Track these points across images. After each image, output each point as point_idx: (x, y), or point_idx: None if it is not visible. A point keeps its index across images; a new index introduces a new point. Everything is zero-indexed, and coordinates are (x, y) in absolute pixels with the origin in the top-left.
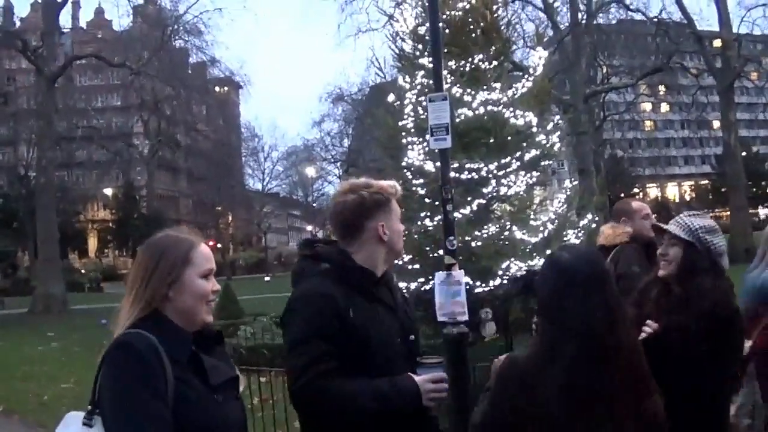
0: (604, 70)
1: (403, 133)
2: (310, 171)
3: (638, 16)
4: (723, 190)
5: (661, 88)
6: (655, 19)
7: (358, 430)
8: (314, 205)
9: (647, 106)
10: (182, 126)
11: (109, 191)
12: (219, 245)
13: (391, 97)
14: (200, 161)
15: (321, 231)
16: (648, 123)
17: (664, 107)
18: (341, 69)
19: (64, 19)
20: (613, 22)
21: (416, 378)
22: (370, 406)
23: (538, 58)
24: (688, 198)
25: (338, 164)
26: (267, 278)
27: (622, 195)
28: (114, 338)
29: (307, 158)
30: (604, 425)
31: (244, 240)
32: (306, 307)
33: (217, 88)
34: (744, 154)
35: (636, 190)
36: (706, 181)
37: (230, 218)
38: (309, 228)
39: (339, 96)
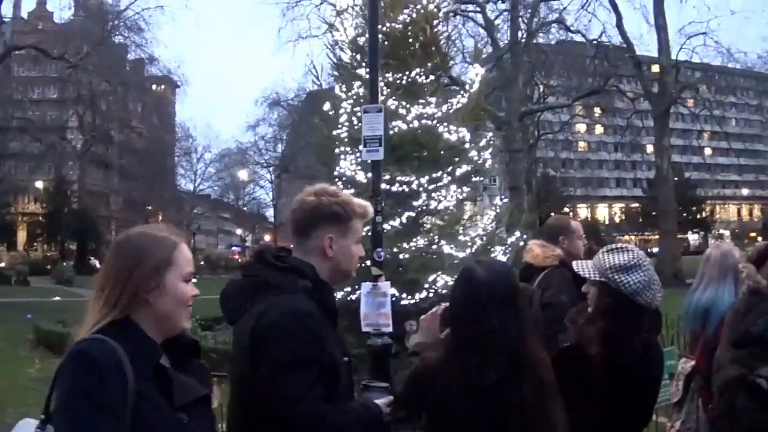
0: (541, 89)
1: (337, 143)
2: (243, 174)
3: (578, 38)
4: (653, 213)
5: (597, 110)
6: (595, 42)
7: None
8: (245, 208)
9: (582, 127)
10: (117, 122)
11: (40, 184)
12: None
13: (326, 106)
14: (133, 159)
15: (250, 235)
16: (582, 144)
17: (599, 129)
18: (279, 74)
19: (6, 8)
20: (553, 42)
21: (377, 402)
22: (355, 429)
23: (475, 75)
24: (617, 220)
25: (271, 169)
26: (194, 280)
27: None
28: (74, 344)
29: (240, 161)
30: (503, 427)
31: None
32: (298, 326)
33: (153, 86)
34: (676, 179)
35: (567, 209)
36: (637, 204)
37: (160, 218)
38: (239, 231)
39: (275, 101)
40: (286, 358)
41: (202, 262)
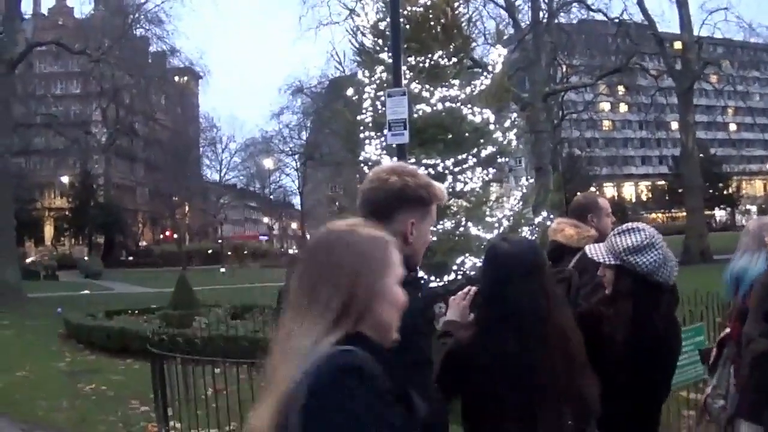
0: (564, 69)
1: (361, 128)
2: (268, 163)
3: (599, 17)
4: (679, 191)
5: (620, 88)
6: (617, 20)
7: None
8: (271, 197)
9: (606, 106)
10: (140, 115)
11: (66, 179)
12: (175, 236)
13: (350, 91)
14: (158, 151)
15: (277, 223)
16: (606, 123)
17: (623, 107)
18: (301, 62)
19: (26, 5)
20: (574, 21)
21: None
22: None
23: (497, 56)
24: (644, 198)
25: (296, 157)
26: (222, 270)
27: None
28: (318, 359)
29: (264, 150)
30: (538, 403)
31: (200, 231)
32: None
33: (176, 78)
34: (701, 156)
35: (593, 189)
36: (663, 182)
37: (187, 209)
38: (265, 220)
39: (298, 88)
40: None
41: (229, 252)
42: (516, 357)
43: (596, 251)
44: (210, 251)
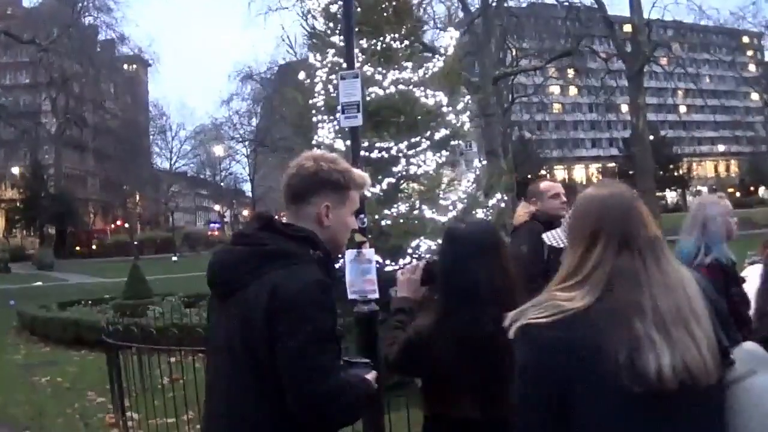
0: (514, 53)
1: (314, 111)
2: (218, 150)
3: (549, 0)
4: (630, 173)
5: (570, 71)
6: (566, 3)
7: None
8: (222, 184)
9: (556, 89)
10: (90, 104)
11: (16, 170)
12: (126, 225)
13: (301, 75)
14: (108, 140)
15: (228, 211)
16: (556, 106)
17: (573, 90)
18: (251, 48)
19: None
20: (524, 5)
21: (367, 377)
22: (364, 404)
23: (449, 39)
24: (595, 180)
25: (246, 143)
26: (174, 258)
27: (530, 176)
28: None
29: (215, 137)
30: (502, 382)
31: (152, 219)
32: (324, 297)
33: (125, 66)
34: (652, 137)
35: (543, 171)
36: (613, 164)
37: (138, 197)
38: (217, 208)
39: (248, 74)
40: (314, 330)
41: (183, 241)
42: (479, 338)
43: (554, 237)
44: (161, 240)
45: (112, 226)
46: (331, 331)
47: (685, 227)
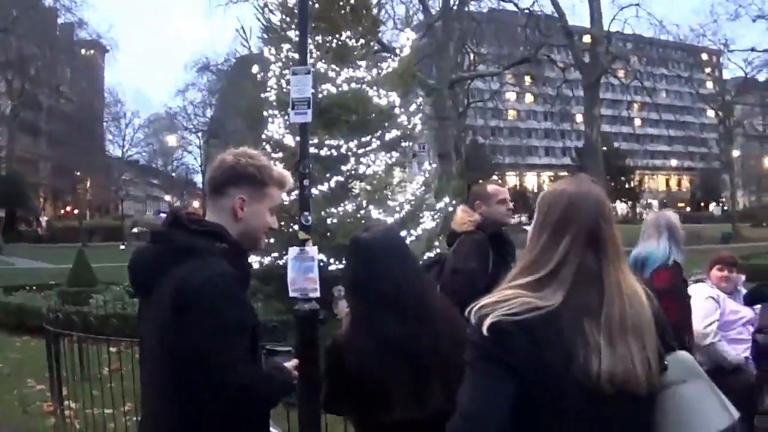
0: (472, 57)
1: (265, 106)
2: (171, 140)
3: (510, 6)
4: None
5: (527, 78)
6: (527, 11)
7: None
8: (173, 174)
9: (512, 96)
10: (46, 88)
11: None
12: (76, 211)
13: (255, 69)
14: (62, 125)
15: (179, 201)
16: (511, 112)
17: (529, 98)
18: (209, 39)
19: None
20: (485, 10)
21: (286, 365)
22: (278, 394)
23: (406, 39)
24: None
25: (199, 134)
26: (122, 246)
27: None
28: None
29: (168, 127)
30: (421, 384)
31: (101, 206)
32: (228, 290)
33: (83, 51)
34: (605, 149)
35: (495, 177)
36: (566, 173)
37: (88, 184)
38: (167, 198)
39: (205, 65)
40: (220, 323)
41: (135, 230)
42: (395, 339)
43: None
44: (110, 228)
45: (62, 211)
46: (239, 322)
47: (647, 234)
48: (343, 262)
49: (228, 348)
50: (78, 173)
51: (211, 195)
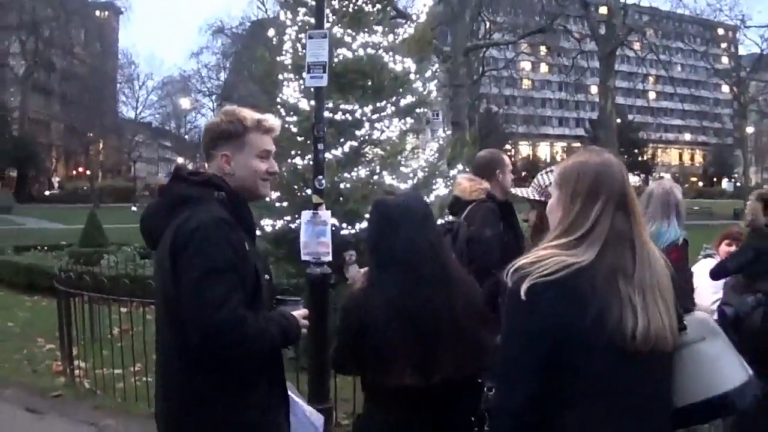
0: (487, 26)
1: (280, 70)
2: (185, 102)
3: None
4: None
5: (542, 48)
6: None
7: (261, 362)
8: (186, 137)
9: (527, 65)
10: (59, 49)
11: None
12: (88, 172)
13: (270, 32)
14: (75, 86)
15: (191, 163)
16: (526, 82)
17: (544, 68)
18: (224, 2)
19: None
20: None
21: (294, 313)
22: (277, 338)
23: (422, 5)
24: (559, 159)
25: (213, 97)
26: (134, 208)
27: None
28: None
29: (182, 89)
30: (429, 352)
31: (113, 168)
32: (216, 232)
33: (97, 12)
34: (618, 121)
35: (508, 146)
36: (578, 144)
37: (101, 145)
38: (180, 159)
39: (219, 29)
40: (206, 264)
41: (146, 193)
42: (411, 299)
43: (523, 190)
44: (122, 189)
45: (74, 173)
46: (227, 263)
47: (654, 212)
48: (356, 227)
49: (213, 287)
50: (90, 134)
51: (206, 160)
